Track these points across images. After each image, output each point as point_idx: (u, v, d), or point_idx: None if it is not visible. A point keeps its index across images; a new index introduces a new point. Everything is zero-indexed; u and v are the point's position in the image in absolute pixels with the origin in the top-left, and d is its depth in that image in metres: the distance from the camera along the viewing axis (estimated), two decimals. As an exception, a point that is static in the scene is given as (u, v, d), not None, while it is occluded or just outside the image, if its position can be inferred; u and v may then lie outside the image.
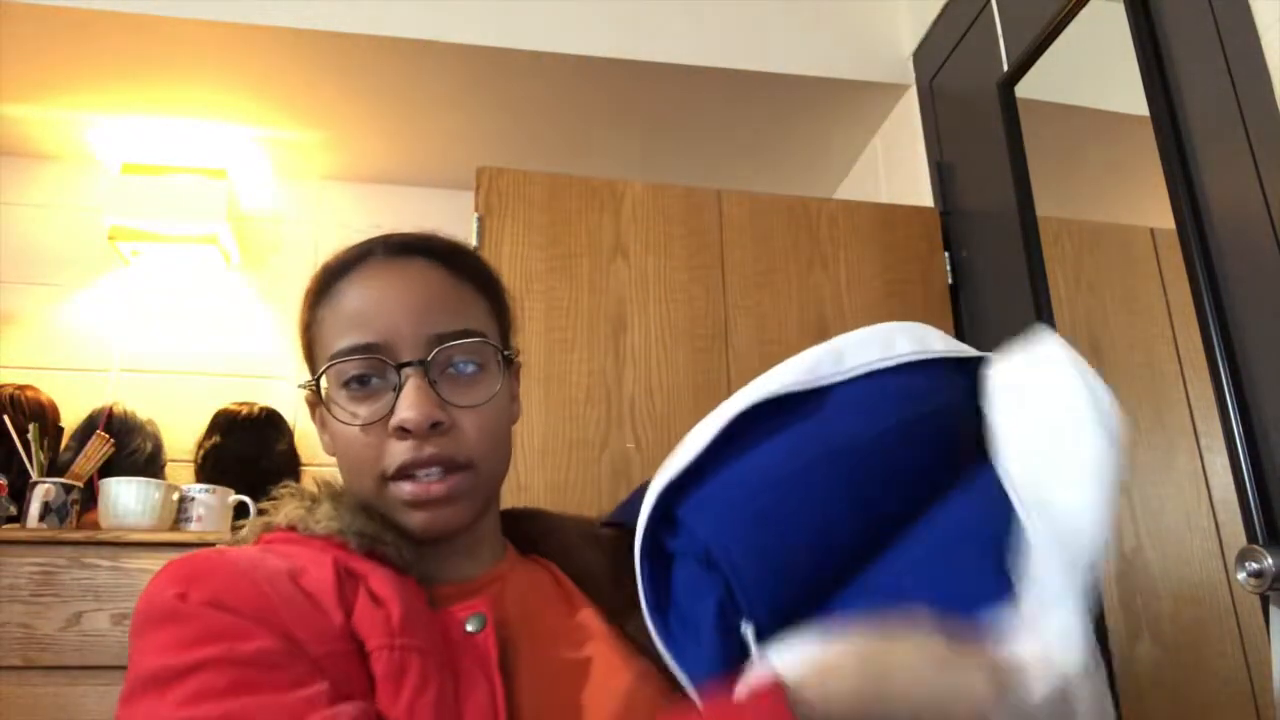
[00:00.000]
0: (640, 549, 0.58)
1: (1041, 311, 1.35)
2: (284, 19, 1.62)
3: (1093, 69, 1.39)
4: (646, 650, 0.61)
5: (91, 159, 2.00)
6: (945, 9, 1.71)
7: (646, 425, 1.40)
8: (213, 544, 1.26)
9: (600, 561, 0.72)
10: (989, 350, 0.66)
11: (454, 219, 1.25)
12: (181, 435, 1.83)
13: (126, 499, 1.48)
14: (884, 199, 1.90)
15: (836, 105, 1.88)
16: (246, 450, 1.79)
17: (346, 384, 0.65)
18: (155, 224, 1.89)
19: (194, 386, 1.91)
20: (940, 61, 1.72)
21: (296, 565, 0.58)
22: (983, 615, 0.48)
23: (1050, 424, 0.55)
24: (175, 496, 1.56)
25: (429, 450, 0.63)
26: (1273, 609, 0.92)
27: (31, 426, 1.56)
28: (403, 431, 0.62)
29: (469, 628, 0.59)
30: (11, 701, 1.24)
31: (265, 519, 0.66)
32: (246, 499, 1.62)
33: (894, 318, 0.68)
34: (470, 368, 0.67)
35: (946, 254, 1.63)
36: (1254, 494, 0.97)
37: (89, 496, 1.58)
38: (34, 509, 1.47)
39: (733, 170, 2.11)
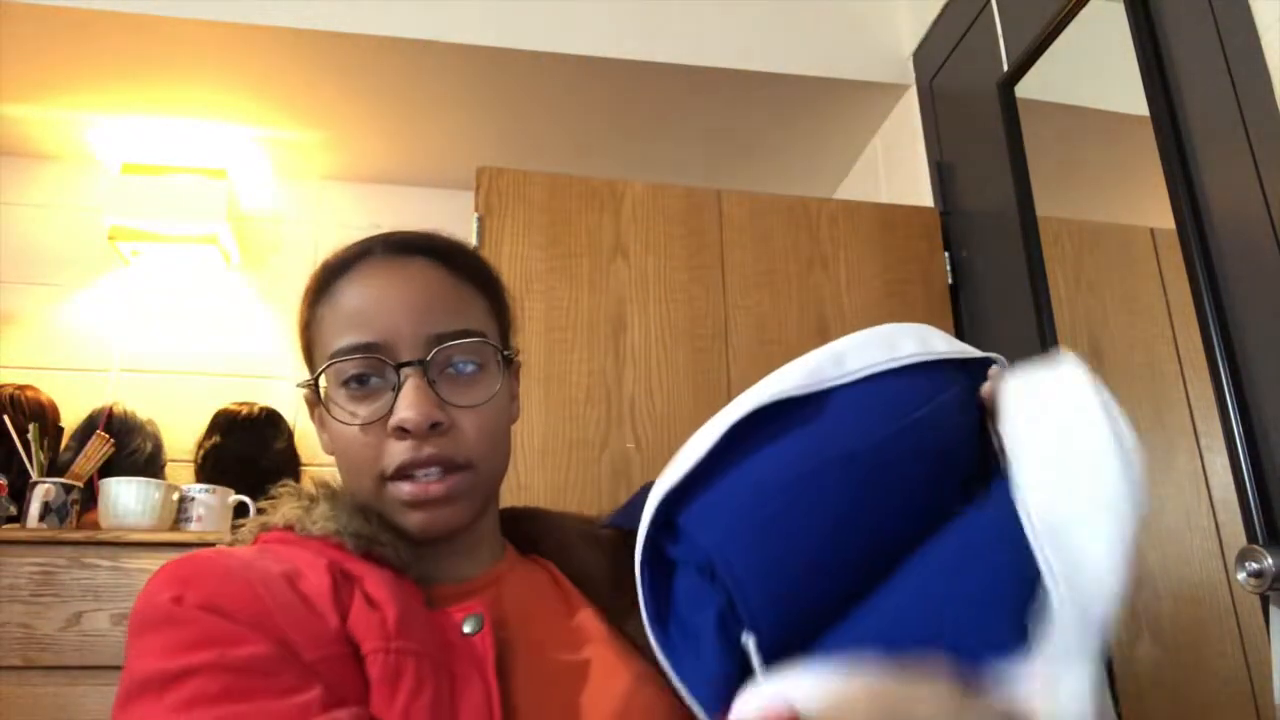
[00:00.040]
0: (641, 557, 0.57)
1: (1041, 311, 1.35)
2: (284, 19, 1.62)
3: (1093, 69, 1.39)
4: (645, 652, 0.61)
5: (91, 159, 2.00)
6: (945, 9, 1.71)
7: (646, 425, 1.40)
8: (213, 544, 1.25)
9: (600, 562, 0.72)
10: (990, 350, 0.66)
11: (454, 219, 1.25)
12: (181, 435, 1.83)
13: (126, 499, 1.48)
14: (884, 199, 1.90)
15: (836, 105, 1.88)
16: (246, 450, 1.79)
17: (345, 383, 0.64)
18: (155, 224, 1.89)
19: (194, 386, 1.91)
20: (940, 61, 1.72)
21: (293, 568, 0.57)
22: (995, 662, 0.48)
23: (1071, 460, 0.53)
24: (175, 496, 1.56)
25: (428, 450, 0.62)
26: (1273, 609, 0.92)
27: (31, 426, 1.57)
28: (402, 431, 0.62)
29: (466, 629, 0.59)
30: (11, 701, 1.24)
31: (263, 519, 0.66)
32: (246, 499, 1.62)
33: (894, 318, 0.68)
34: (470, 368, 0.66)
35: (946, 254, 1.63)
36: (1254, 494, 0.97)
37: (89, 496, 1.58)
38: (34, 509, 1.47)
39: (733, 170, 2.11)
